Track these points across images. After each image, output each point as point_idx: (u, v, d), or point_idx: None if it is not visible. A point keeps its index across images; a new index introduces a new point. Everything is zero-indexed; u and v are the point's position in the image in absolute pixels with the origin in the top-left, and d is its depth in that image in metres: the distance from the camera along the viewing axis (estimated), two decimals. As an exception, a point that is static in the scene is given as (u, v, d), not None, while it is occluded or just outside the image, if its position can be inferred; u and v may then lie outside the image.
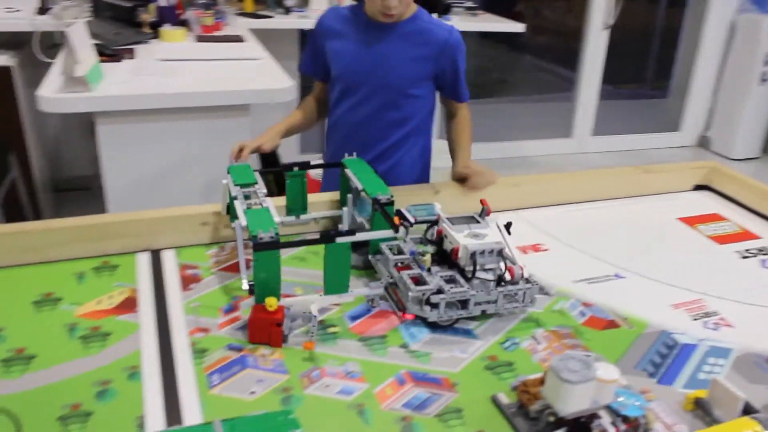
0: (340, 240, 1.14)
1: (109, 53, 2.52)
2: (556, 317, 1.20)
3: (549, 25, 6.08)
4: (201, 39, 3.00)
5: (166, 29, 2.94)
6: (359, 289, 1.21)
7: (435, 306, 1.12)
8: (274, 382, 1.01)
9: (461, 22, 3.72)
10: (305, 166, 1.42)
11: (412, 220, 1.24)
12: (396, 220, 1.25)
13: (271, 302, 1.08)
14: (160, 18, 2.99)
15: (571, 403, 0.88)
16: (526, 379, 0.98)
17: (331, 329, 1.13)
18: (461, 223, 1.25)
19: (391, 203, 1.28)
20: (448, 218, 1.26)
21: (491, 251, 1.18)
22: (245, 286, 1.16)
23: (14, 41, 3.33)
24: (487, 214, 1.28)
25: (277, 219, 1.21)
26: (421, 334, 1.13)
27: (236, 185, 1.32)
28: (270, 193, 1.33)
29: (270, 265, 1.12)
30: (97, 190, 3.87)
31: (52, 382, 1.00)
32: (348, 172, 1.40)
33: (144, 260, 1.32)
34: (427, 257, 1.22)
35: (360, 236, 1.17)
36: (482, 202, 1.30)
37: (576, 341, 1.13)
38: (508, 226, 1.27)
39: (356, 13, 1.74)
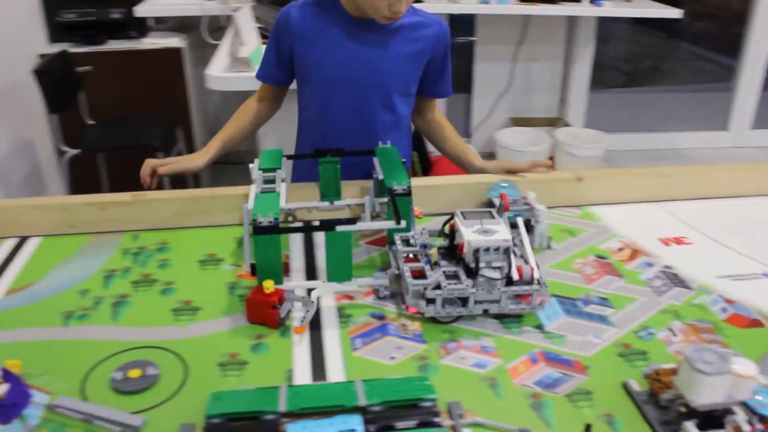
0: (340, 228, 1.16)
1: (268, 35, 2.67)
2: (696, 311, 1.19)
3: (710, 9, 5.77)
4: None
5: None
6: (364, 278, 1.23)
7: (432, 301, 1.12)
8: (412, 350, 1.07)
9: (615, 8, 3.62)
10: (338, 152, 1.41)
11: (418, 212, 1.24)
12: (416, 211, 1.27)
13: (268, 285, 1.12)
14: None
15: (704, 394, 0.88)
16: (658, 368, 0.99)
17: (470, 305, 1.18)
18: (475, 218, 1.20)
19: (407, 194, 1.27)
20: (462, 212, 1.22)
21: (497, 249, 1.13)
22: (247, 267, 1.21)
23: (184, 25, 3.59)
24: (505, 209, 1.24)
25: (304, 204, 1.34)
26: (557, 317, 1.16)
27: (260, 169, 1.37)
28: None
29: (269, 249, 1.17)
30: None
31: (215, 332, 1.12)
32: (375, 160, 1.41)
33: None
34: (433, 251, 1.18)
35: (360, 225, 1.18)
36: (502, 197, 1.26)
37: (715, 337, 1.12)
38: (527, 223, 1.25)
39: (328, 8, 1.56)
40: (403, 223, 1.19)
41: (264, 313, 1.12)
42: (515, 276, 1.12)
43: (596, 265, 1.31)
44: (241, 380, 1.01)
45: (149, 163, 1.52)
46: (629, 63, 5.65)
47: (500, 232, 1.16)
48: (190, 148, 3.49)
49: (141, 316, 1.17)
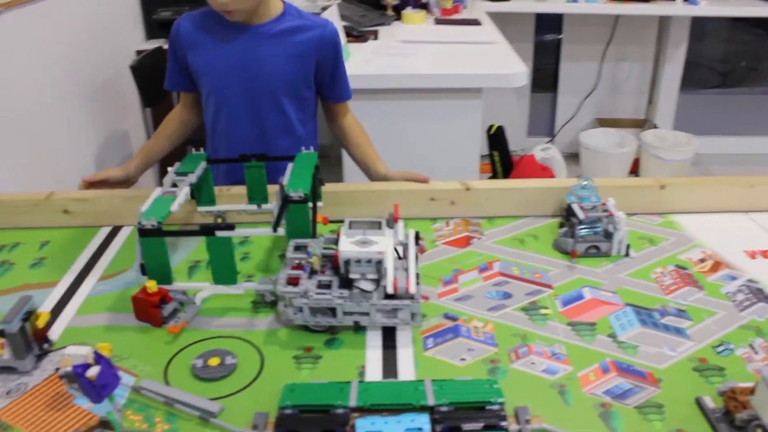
0: (219, 234, 1.16)
1: (355, 34, 2.72)
2: (780, 329, 1.15)
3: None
4: (439, 22, 3.12)
5: (408, 12, 3.09)
6: (248, 282, 1.25)
7: (301, 309, 1.11)
8: (483, 352, 1.08)
9: (711, 5, 3.51)
10: (262, 157, 1.43)
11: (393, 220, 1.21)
12: (319, 218, 1.27)
13: (150, 285, 1.15)
14: (402, 1, 3.16)
15: (782, 416, 0.86)
16: (735, 386, 0.96)
17: (543, 311, 1.18)
18: (360, 227, 1.17)
19: (302, 201, 1.23)
20: (351, 221, 1.19)
21: (368, 261, 1.10)
22: (136, 266, 1.22)
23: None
24: (395, 221, 1.21)
25: (233, 207, 1.40)
26: (631, 327, 1.15)
27: (176, 172, 1.38)
28: (494, 174, 1.36)
29: (153, 250, 1.19)
30: (333, 159, 4.19)
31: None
32: (289, 165, 1.37)
33: (374, 228, 1.45)
34: (313, 259, 1.16)
35: (238, 232, 1.18)
36: (395, 207, 1.23)
37: (798, 356, 1.09)
38: (417, 236, 1.21)
39: (214, 17, 1.60)
40: (281, 231, 1.19)
41: (147, 311, 1.16)
42: (389, 289, 1.09)
43: (676, 276, 1.29)
44: (314, 373, 1.05)
45: (84, 180, 1.61)
46: (725, 63, 5.43)
47: (379, 243, 1.13)
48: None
49: (220, 306, 1.22)
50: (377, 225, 1.18)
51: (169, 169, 1.41)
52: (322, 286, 1.13)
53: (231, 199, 1.52)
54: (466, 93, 2.26)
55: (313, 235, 1.25)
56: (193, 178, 1.36)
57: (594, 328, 1.14)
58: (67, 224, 1.50)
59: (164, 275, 1.21)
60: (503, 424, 0.92)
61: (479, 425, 0.92)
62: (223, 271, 1.21)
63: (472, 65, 2.32)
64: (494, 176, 3.29)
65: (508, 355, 1.08)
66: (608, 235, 1.33)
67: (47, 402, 1.01)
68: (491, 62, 2.39)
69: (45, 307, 1.22)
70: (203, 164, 1.42)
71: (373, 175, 1.71)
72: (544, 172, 3.32)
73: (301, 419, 0.93)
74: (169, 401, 0.98)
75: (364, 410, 0.94)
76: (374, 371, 1.05)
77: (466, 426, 0.91)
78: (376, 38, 2.76)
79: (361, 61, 2.34)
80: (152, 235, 1.17)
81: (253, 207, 1.48)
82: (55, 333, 1.16)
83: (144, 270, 1.20)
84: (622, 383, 1.02)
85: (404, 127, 2.31)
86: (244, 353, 1.09)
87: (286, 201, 1.22)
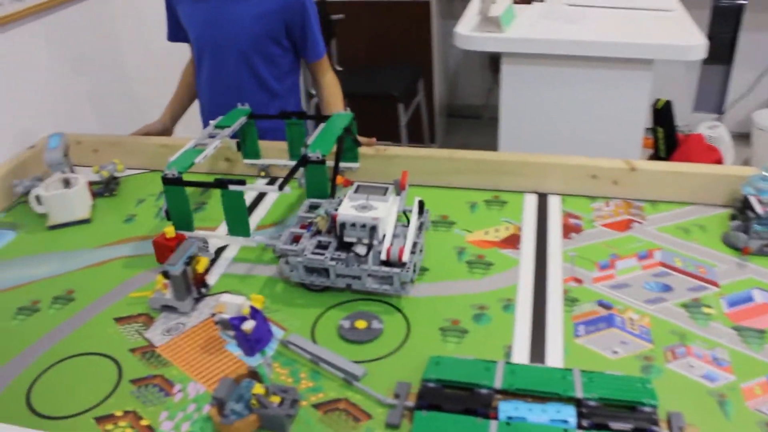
0: (232, 188, 1.19)
1: (522, -6, 2.62)
2: None
3: None
4: (612, -16, 2.94)
5: (580, -28, 2.94)
6: (259, 236, 1.28)
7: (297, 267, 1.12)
8: (637, 347, 1.02)
9: None
10: (302, 115, 1.48)
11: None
12: (340, 179, 1.27)
13: (168, 230, 1.20)
14: (575, -40, 3.00)
15: None
16: None
17: (706, 309, 1.10)
18: (365, 192, 1.17)
19: (320, 162, 1.26)
20: (362, 184, 1.19)
21: (363, 226, 1.10)
22: (163, 212, 1.27)
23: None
24: (401, 188, 1.18)
25: (277, 161, 1.47)
26: (808, 338, 1.05)
27: (215, 125, 1.42)
28: (656, 151, 1.25)
29: (175, 198, 1.24)
30: (486, 120, 4.13)
31: (439, 294, 1.15)
32: (321, 125, 1.39)
33: (531, 201, 1.41)
34: (318, 219, 1.17)
35: (248, 187, 1.19)
36: (402, 174, 1.20)
37: None
38: (421, 206, 1.20)
39: None
40: (287, 189, 1.19)
41: (165, 255, 1.18)
42: (383, 256, 1.09)
43: None
44: (459, 348, 1.03)
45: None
46: None
47: (378, 209, 1.13)
48: (429, 100, 3.56)
49: (372, 268, 1.22)
50: (383, 191, 1.18)
51: (211, 122, 1.46)
52: (320, 246, 1.15)
53: (275, 154, 1.57)
54: (636, 64, 2.13)
55: (332, 196, 1.27)
56: (228, 131, 1.40)
57: (763, 336, 1.05)
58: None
59: (185, 222, 1.27)
60: (655, 428, 0.86)
61: (628, 426, 0.87)
62: (237, 223, 1.25)
63: (644, 34, 2.17)
64: (656, 153, 3.11)
65: (664, 353, 1.01)
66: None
67: (201, 344, 1.06)
68: (666, 31, 2.22)
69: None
70: (243, 119, 1.47)
71: None
72: (711, 152, 3.10)
73: (444, 394, 0.92)
74: (314, 359, 1.00)
75: (509, 393, 0.92)
76: (521, 353, 1.02)
77: (615, 425, 0.87)
78: (542, 0, 2.66)
79: (526, 25, 2.25)
80: (173, 184, 1.23)
81: (294, 162, 1.51)
82: (212, 278, 1.21)
83: (168, 215, 1.27)
84: (793, 401, 0.93)
85: (566, 96, 2.21)
86: (392, 319, 1.09)
87: (304, 161, 1.27)
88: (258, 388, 0.88)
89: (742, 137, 3.78)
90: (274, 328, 1.08)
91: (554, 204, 1.39)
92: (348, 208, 1.14)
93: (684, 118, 3.84)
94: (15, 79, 1.63)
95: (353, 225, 1.11)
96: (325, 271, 1.14)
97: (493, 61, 3.63)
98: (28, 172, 1.59)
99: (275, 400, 0.89)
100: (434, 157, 1.47)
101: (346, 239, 1.13)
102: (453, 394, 0.92)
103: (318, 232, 1.18)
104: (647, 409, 0.89)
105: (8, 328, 1.14)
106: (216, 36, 1.70)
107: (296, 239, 1.18)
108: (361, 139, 1.53)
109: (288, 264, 1.15)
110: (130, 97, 2.10)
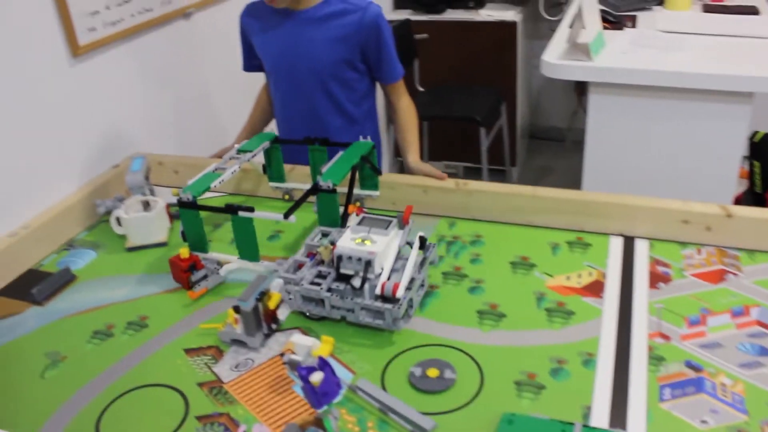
0: (241, 214, 1.21)
1: (612, 20, 2.54)
2: None
3: None
4: (708, 9, 2.82)
5: (674, -4, 2.83)
6: (269, 262, 1.28)
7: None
8: (729, 418, 0.95)
9: None
10: (325, 142, 1.49)
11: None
12: (352, 208, 1.27)
13: (183, 251, 1.25)
14: (670, -16, 2.89)
15: None
16: None
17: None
18: (368, 225, 1.17)
19: (331, 191, 1.28)
20: (366, 217, 1.19)
21: (358, 259, 1.10)
22: (180, 234, 1.31)
23: (521, -2, 3.55)
24: (404, 223, 1.18)
25: (299, 185, 1.54)
26: None
27: (238, 150, 1.47)
28: (751, 186, 1.15)
29: (190, 221, 1.27)
30: (569, 144, 4.03)
31: (515, 344, 1.09)
32: (339, 153, 1.40)
33: (616, 245, 1.34)
34: (321, 249, 1.16)
35: (257, 214, 1.21)
36: (407, 208, 1.20)
37: None
38: (423, 240, 1.19)
39: (265, 4, 1.71)
40: (292, 218, 1.20)
41: (179, 274, 1.27)
42: (377, 290, 1.08)
43: None
44: (535, 405, 0.98)
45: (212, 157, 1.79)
46: None
47: (377, 243, 1.12)
48: (512, 123, 3.49)
49: (446, 311, 1.18)
50: (386, 224, 1.17)
51: (236, 145, 1.51)
52: (320, 276, 1.15)
53: (300, 178, 1.61)
54: (735, 97, 2.01)
55: (342, 225, 1.28)
56: (248, 156, 1.43)
57: None
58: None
59: (200, 244, 1.30)
60: None
61: None
62: (247, 247, 1.26)
63: (745, 64, 2.05)
64: (751, 187, 2.95)
65: (761, 428, 0.93)
66: None
67: (269, 383, 1.04)
68: (767, 61, 2.10)
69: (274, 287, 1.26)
70: (266, 144, 1.50)
71: (405, 161, 1.72)
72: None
73: (516, 458, 0.87)
74: (383, 408, 0.97)
75: (586, 461, 0.86)
76: (600, 415, 0.96)
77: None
78: (633, 25, 2.55)
79: (617, 52, 2.16)
80: (188, 208, 1.26)
81: None
82: (283, 313, 1.19)
83: (184, 237, 1.30)
84: None
85: (656, 128, 2.11)
86: (464, 368, 1.05)
87: (315, 189, 1.29)
88: (323, 439, 0.86)
89: None
90: (343, 371, 1.05)
91: (641, 249, 1.32)
92: (347, 241, 1.14)
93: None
94: (103, 99, 1.67)
95: (350, 258, 1.11)
96: (322, 301, 1.14)
97: (579, 83, 3.54)
98: (111, 191, 1.62)
99: (340, 452, 0.86)
100: (516, 194, 1.42)
101: (343, 271, 1.12)
102: (527, 458, 0.87)
103: (321, 262, 1.18)
104: (740, 490, 0.82)
105: (84, 352, 1.15)
106: (292, 64, 1.70)
107: (300, 267, 1.19)
108: (431, 171, 1.53)
109: (288, 292, 1.16)
110: (211, 119, 2.13)
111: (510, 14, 3.35)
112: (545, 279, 1.25)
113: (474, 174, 3.79)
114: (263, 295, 1.10)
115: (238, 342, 1.12)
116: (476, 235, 1.40)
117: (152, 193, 1.52)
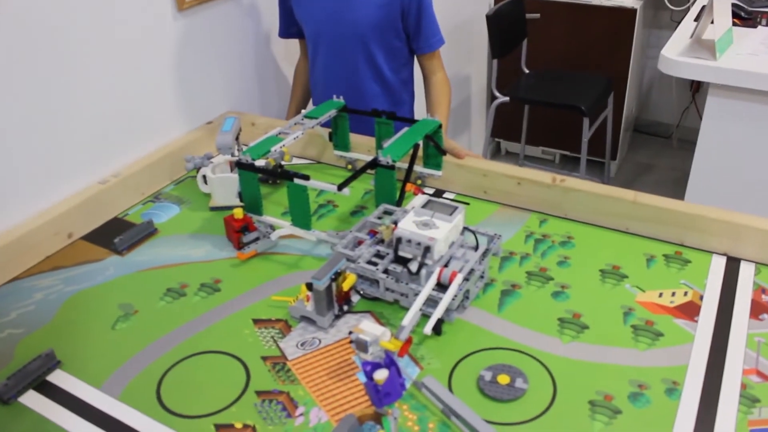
0: (296, 181, 1.21)
1: (744, 16, 2.36)
2: None
3: None
4: None
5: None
6: (321, 232, 1.27)
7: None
8: (826, 475, 0.86)
9: None
10: (392, 116, 1.47)
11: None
12: (410, 187, 1.31)
13: (237, 212, 1.26)
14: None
15: None
16: None
17: None
18: (432, 209, 1.13)
19: (390, 167, 1.27)
20: (432, 200, 1.16)
21: (418, 243, 1.06)
22: (237, 195, 1.36)
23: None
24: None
25: (362, 156, 1.52)
26: None
27: (304, 116, 1.47)
28: None
29: (247, 182, 1.29)
30: (675, 142, 3.83)
31: (595, 360, 1.03)
32: (404, 129, 1.39)
33: (719, 265, 1.24)
34: (383, 228, 1.14)
35: (312, 183, 1.20)
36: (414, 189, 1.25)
37: None
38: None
39: None
40: (346, 191, 1.20)
41: (231, 234, 1.29)
42: (435, 278, 1.05)
43: None
44: (608, 429, 0.91)
45: None
46: None
47: (439, 229, 1.08)
48: (617, 114, 3.33)
49: (525, 314, 1.12)
50: (451, 210, 1.13)
51: (303, 110, 1.52)
52: (378, 256, 1.13)
53: (364, 150, 1.59)
54: None
55: (399, 203, 1.30)
56: (313, 123, 1.43)
57: None
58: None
59: (255, 206, 1.32)
60: None
61: None
62: (299, 215, 1.26)
63: None
64: None
65: None
66: None
67: (333, 366, 1.01)
68: None
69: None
70: (333, 111, 1.49)
71: None
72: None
73: (582, 488, 0.81)
74: (446, 411, 0.92)
75: (659, 502, 0.80)
76: (679, 452, 0.89)
77: None
78: None
79: (745, 53, 2.00)
80: (245, 169, 1.27)
81: None
82: (355, 296, 1.16)
83: (241, 197, 1.33)
84: None
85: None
86: (537, 378, 0.99)
87: (374, 163, 1.28)
88: (380, 437, 0.82)
89: None
90: (411, 365, 1.01)
91: (746, 273, 1.22)
92: (409, 223, 1.10)
93: None
94: (202, 55, 1.66)
95: (409, 241, 1.08)
96: (376, 282, 1.11)
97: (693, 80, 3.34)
98: (202, 148, 1.62)
99: (397, 452, 0.83)
100: (615, 197, 1.33)
101: (402, 254, 1.09)
102: (593, 488, 0.81)
103: (381, 241, 1.16)
104: None
105: (155, 309, 1.16)
106: (336, 26, 1.69)
107: (359, 243, 1.16)
108: (453, 148, 1.50)
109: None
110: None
111: (630, 0, 3.18)
112: (636, 293, 1.17)
113: (571, 163, 3.66)
114: (338, 275, 1.07)
115: (307, 319, 1.10)
116: (567, 236, 1.32)
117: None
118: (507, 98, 3.03)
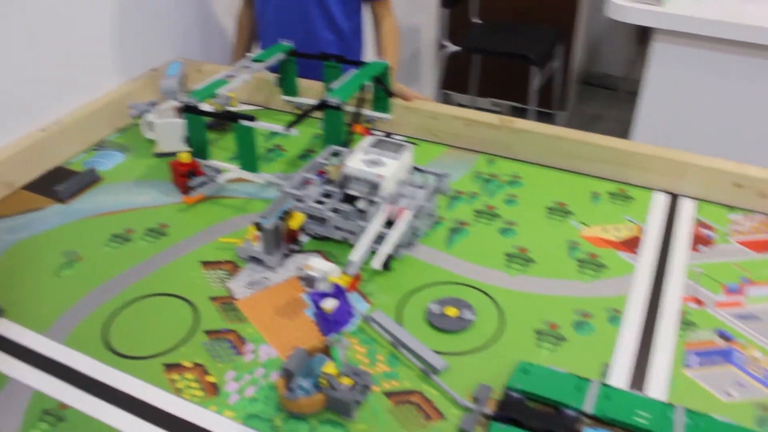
0: (242, 122, 1.20)
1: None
2: None
3: None
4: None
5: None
6: (269, 174, 1.27)
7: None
8: (756, 393, 0.90)
9: None
10: (340, 59, 1.46)
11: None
12: (358, 128, 1.31)
13: (183, 156, 1.24)
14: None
15: None
16: None
17: None
18: (381, 148, 1.14)
19: (338, 108, 1.26)
20: (380, 139, 1.16)
21: (366, 181, 1.07)
22: (185, 139, 1.30)
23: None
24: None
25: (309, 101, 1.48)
26: None
27: (252, 59, 1.43)
28: None
29: (193, 126, 1.26)
30: (622, 93, 3.88)
31: (541, 292, 1.05)
32: (351, 70, 1.39)
33: (660, 201, 1.27)
34: (331, 168, 1.15)
35: (258, 124, 1.20)
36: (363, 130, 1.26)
37: None
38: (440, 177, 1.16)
39: None
40: (294, 131, 1.21)
41: (177, 179, 1.26)
42: (383, 215, 1.06)
43: None
44: (553, 356, 0.94)
45: None
46: None
47: (387, 167, 1.08)
48: (566, 66, 3.36)
49: (474, 250, 1.14)
50: (398, 148, 1.14)
51: (248, 54, 1.48)
52: (326, 195, 1.13)
53: (314, 94, 1.55)
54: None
55: (345, 144, 1.29)
56: (260, 66, 1.41)
57: None
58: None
59: (201, 150, 1.29)
60: (765, 495, 0.75)
61: (733, 486, 0.76)
62: (247, 158, 1.25)
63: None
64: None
65: (790, 406, 0.88)
66: None
67: (281, 305, 1.02)
68: None
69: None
70: (279, 55, 1.47)
71: None
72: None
73: (526, 409, 0.84)
74: (395, 343, 0.94)
75: (597, 420, 0.83)
76: (620, 375, 0.91)
77: (717, 482, 0.76)
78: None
79: (690, 0, 2.04)
80: (191, 112, 1.25)
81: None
82: (305, 236, 1.16)
83: (188, 143, 1.29)
84: None
85: (721, 85, 1.99)
86: (484, 310, 1.01)
87: (322, 105, 1.27)
88: (330, 368, 0.83)
89: None
90: (360, 301, 1.02)
91: (686, 209, 1.25)
92: (357, 161, 1.10)
93: None
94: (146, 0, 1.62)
95: (357, 179, 1.08)
96: (325, 221, 1.12)
97: (642, 31, 3.37)
98: (146, 95, 1.58)
99: (346, 382, 0.84)
100: (563, 137, 1.34)
101: (350, 192, 1.10)
102: (536, 410, 0.84)
103: (329, 181, 1.15)
104: (758, 469, 0.78)
105: (100, 255, 1.14)
106: None
107: (308, 183, 1.16)
108: (401, 91, 1.50)
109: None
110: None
111: (579, -50, 3.18)
112: (581, 228, 1.19)
113: (520, 114, 3.67)
114: (286, 215, 1.06)
115: (255, 260, 1.10)
116: (515, 176, 1.34)
117: (186, 100, 1.48)
118: (458, 47, 3.02)
